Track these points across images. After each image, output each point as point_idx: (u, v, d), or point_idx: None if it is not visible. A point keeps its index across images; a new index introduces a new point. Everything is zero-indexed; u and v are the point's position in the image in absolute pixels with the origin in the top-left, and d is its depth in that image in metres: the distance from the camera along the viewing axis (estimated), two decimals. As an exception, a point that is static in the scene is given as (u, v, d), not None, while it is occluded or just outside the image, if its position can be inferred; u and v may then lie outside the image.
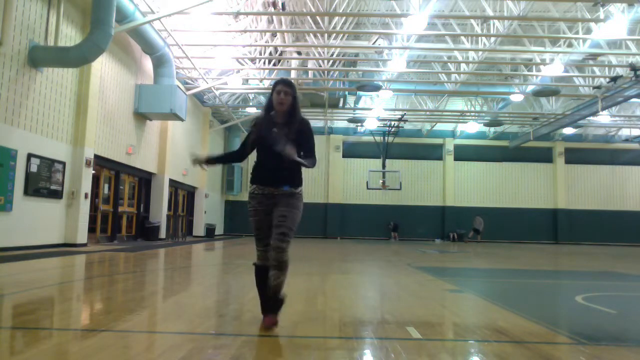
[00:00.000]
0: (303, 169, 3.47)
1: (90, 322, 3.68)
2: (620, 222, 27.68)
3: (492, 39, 15.67)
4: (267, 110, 3.53)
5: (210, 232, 22.34)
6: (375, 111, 23.83)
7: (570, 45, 16.21)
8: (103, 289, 5.46)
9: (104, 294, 5.11)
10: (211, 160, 3.69)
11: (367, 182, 25.85)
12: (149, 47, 14.39)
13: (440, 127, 27.63)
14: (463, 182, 28.52)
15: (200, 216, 22.26)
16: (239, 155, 3.66)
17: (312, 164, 3.42)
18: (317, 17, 15.45)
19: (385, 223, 27.18)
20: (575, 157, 28.50)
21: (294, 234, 3.38)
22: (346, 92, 22.15)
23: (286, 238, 3.29)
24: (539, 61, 17.93)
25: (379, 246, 18.97)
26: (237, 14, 13.75)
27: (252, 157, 3.57)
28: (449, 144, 28.56)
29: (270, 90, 3.53)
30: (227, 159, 4.04)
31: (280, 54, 18.33)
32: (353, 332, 3.46)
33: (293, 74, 19.45)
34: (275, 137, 3.33)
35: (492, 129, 27.69)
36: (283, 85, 3.42)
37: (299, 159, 3.26)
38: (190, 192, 22.01)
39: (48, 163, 10.62)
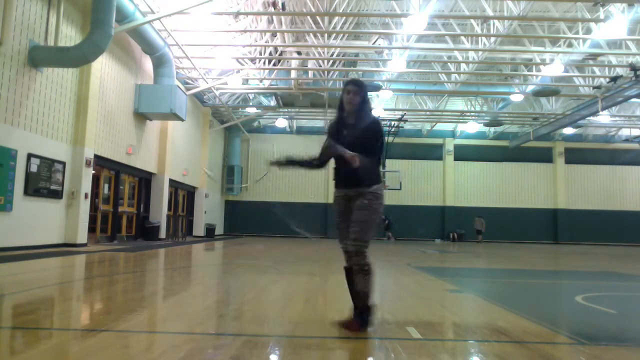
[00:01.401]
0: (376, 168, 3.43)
1: (90, 322, 3.68)
2: (620, 222, 27.68)
3: (492, 39, 15.67)
4: (339, 111, 3.53)
5: (210, 232, 22.34)
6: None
7: (570, 45, 16.21)
8: (103, 289, 5.46)
9: (104, 294, 5.11)
10: (290, 163, 3.62)
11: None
12: (149, 47, 14.39)
13: (440, 127, 27.63)
14: (463, 182, 28.52)
15: (200, 216, 22.25)
16: (319, 162, 3.57)
17: (370, 163, 3.30)
18: (317, 17, 15.45)
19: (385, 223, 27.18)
20: (575, 157, 28.51)
21: (371, 234, 3.31)
22: (346, 93, 22.11)
23: (357, 242, 3.24)
24: (539, 61, 17.93)
25: (379, 246, 18.97)
26: (237, 14, 13.75)
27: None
28: (449, 144, 28.56)
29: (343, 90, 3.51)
30: (308, 164, 3.67)
31: (280, 54, 18.33)
32: (353, 332, 3.45)
33: (293, 74, 19.46)
34: (337, 144, 3.29)
35: (492, 129, 27.69)
36: (352, 85, 3.42)
37: (357, 162, 3.14)
38: (190, 192, 22.00)
39: (48, 163, 10.62)
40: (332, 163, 3.54)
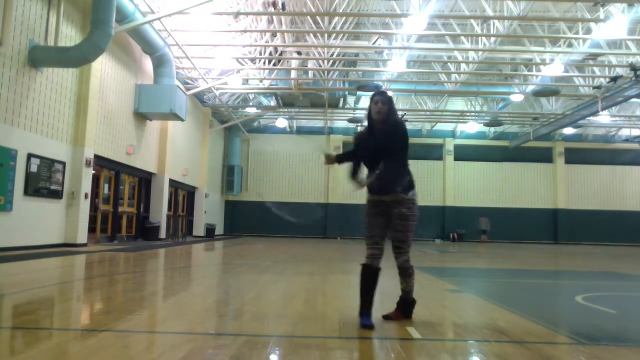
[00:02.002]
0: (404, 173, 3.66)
1: (90, 322, 3.68)
2: (620, 222, 27.68)
3: (492, 39, 15.67)
4: (368, 120, 3.75)
5: (210, 232, 22.34)
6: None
7: (570, 45, 16.20)
8: (103, 289, 5.46)
9: (104, 294, 5.11)
10: (343, 158, 3.81)
11: (367, 182, 25.81)
12: (149, 47, 14.39)
13: (440, 127, 27.63)
14: (463, 182, 28.52)
15: (200, 216, 22.25)
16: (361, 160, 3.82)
17: (396, 169, 3.58)
18: (317, 17, 15.45)
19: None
20: (575, 157, 28.51)
21: (412, 239, 3.65)
22: (346, 92, 22.14)
23: (401, 250, 3.61)
24: (539, 61, 17.92)
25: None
26: (237, 14, 13.75)
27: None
28: (449, 144, 28.56)
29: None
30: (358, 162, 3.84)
31: (280, 54, 18.33)
32: (353, 332, 3.45)
33: (293, 74, 19.46)
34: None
35: (492, 129, 27.69)
36: (379, 96, 3.70)
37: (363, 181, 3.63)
38: (190, 192, 22.01)
39: (48, 163, 10.62)
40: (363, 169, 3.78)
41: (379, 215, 3.61)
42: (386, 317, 3.71)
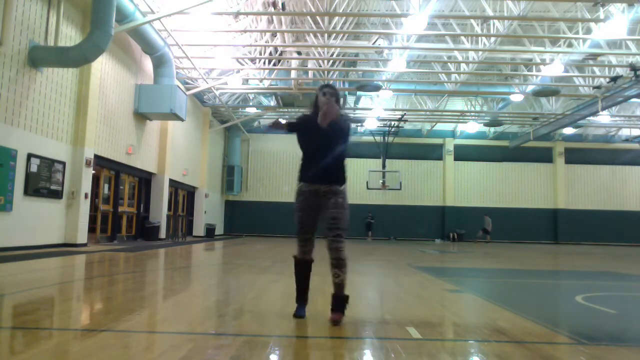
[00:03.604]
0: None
1: (90, 322, 3.68)
2: (620, 222, 27.68)
3: (492, 39, 15.67)
4: (314, 108, 3.73)
5: (210, 232, 22.34)
6: (375, 111, 23.83)
7: (570, 45, 16.21)
8: (103, 289, 5.46)
9: (104, 294, 5.11)
10: (293, 128, 3.73)
11: (367, 182, 25.85)
12: (149, 47, 14.39)
13: (440, 127, 27.63)
14: (463, 182, 28.52)
15: (200, 216, 22.25)
16: (296, 129, 3.84)
17: (331, 157, 3.64)
18: (317, 17, 15.45)
19: (384, 223, 27.13)
20: (575, 157, 28.51)
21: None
22: (346, 92, 22.14)
23: (340, 238, 3.54)
24: (539, 61, 17.92)
25: (379, 246, 18.96)
26: (237, 14, 13.75)
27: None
28: (449, 144, 28.55)
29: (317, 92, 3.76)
30: (290, 129, 3.85)
31: (280, 54, 18.33)
32: (353, 332, 3.45)
33: (293, 74, 19.46)
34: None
35: (492, 129, 27.69)
36: (328, 88, 3.70)
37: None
38: (190, 192, 22.01)
39: (48, 163, 10.62)
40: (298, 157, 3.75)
41: (309, 208, 3.64)
42: (335, 322, 3.53)
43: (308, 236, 3.68)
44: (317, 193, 3.62)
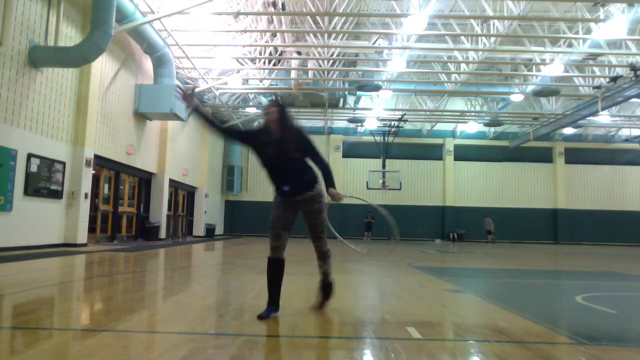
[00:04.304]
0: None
1: (90, 322, 3.68)
2: (620, 222, 27.68)
3: (492, 39, 15.67)
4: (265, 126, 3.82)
5: (210, 232, 22.34)
6: (375, 111, 23.83)
7: (570, 45, 16.20)
8: (103, 289, 5.46)
9: (104, 294, 5.11)
10: (198, 112, 3.85)
11: (367, 182, 25.85)
12: (149, 47, 14.38)
13: (440, 127, 27.62)
14: (463, 182, 28.51)
15: (200, 216, 22.25)
16: (231, 134, 4.09)
17: (293, 172, 3.79)
18: (317, 17, 15.44)
19: (384, 223, 27.03)
20: (575, 157, 28.50)
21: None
22: (346, 92, 22.14)
23: (321, 238, 3.94)
24: (539, 61, 17.92)
25: (379, 246, 18.96)
26: (237, 14, 13.74)
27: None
28: (449, 144, 28.55)
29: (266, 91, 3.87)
30: (212, 124, 3.96)
31: (280, 54, 18.32)
32: (353, 332, 3.46)
33: (293, 74, 19.46)
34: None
35: (492, 129, 27.68)
36: (271, 103, 3.81)
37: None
38: (190, 192, 22.01)
39: (48, 163, 10.62)
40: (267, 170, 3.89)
41: (287, 211, 3.79)
42: (319, 307, 4.02)
43: (278, 231, 3.75)
44: (293, 202, 3.81)
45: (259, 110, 24.27)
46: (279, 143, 3.66)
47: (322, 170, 3.81)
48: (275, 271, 3.76)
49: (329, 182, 3.81)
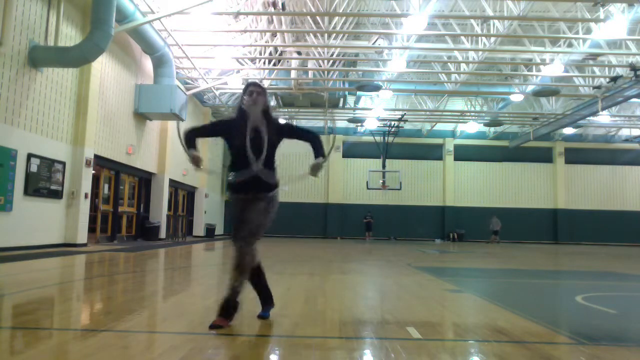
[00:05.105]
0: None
1: (90, 322, 3.68)
2: (620, 222, 27.68)
3: (492, 39, 15.67)
4: (239, 112, 3.54)
5: (210, 232, 22.34)
6: (375, 111, 23.83)
7: (570, 45, 16.20)
8: (103, 289, 5.46)
9: (104, 294, 5.11)
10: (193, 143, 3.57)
11: (367, 182, 25.85)
12: (149, 47, 14.38)
13: (440, 127, 27.62)
14: (463, 182, 28.52)
15: (200, 216, 22.25)
16: (202, 134, 3.83)
17: (266, 164, 3.48)
18: (317, 17, 15.45)
19: (384, 223, 27.08)
20: (575, 157, 28.51)
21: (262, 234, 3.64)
22: (346, 92, 22.15)
23: (252, 241, 3.53)
24: (539, 61, 17.92)
25: (379, 246, 18.96)
26: (237, 14, 13.75)
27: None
28: (449, 144, 28.55)
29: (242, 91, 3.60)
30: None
31: (280, 54, 18.33)
32: (353, 332, 3.46)
33: (293, 74, 19.46)
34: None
35: (492, 129, 27.68)
36: (254, 86, 3.49)
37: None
38: (190, 192, 22.00)
39: (48, 163, 10.62)
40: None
41: (244, 211, 3.49)
42: (211, 326, 3.32)
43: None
44: (246, 199, 3.53)
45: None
46: (271, 131, 3.44)
47: (312, 140, 3.51)
48: (251, 275, 3.60)
49: (319, 151, 3.48)
